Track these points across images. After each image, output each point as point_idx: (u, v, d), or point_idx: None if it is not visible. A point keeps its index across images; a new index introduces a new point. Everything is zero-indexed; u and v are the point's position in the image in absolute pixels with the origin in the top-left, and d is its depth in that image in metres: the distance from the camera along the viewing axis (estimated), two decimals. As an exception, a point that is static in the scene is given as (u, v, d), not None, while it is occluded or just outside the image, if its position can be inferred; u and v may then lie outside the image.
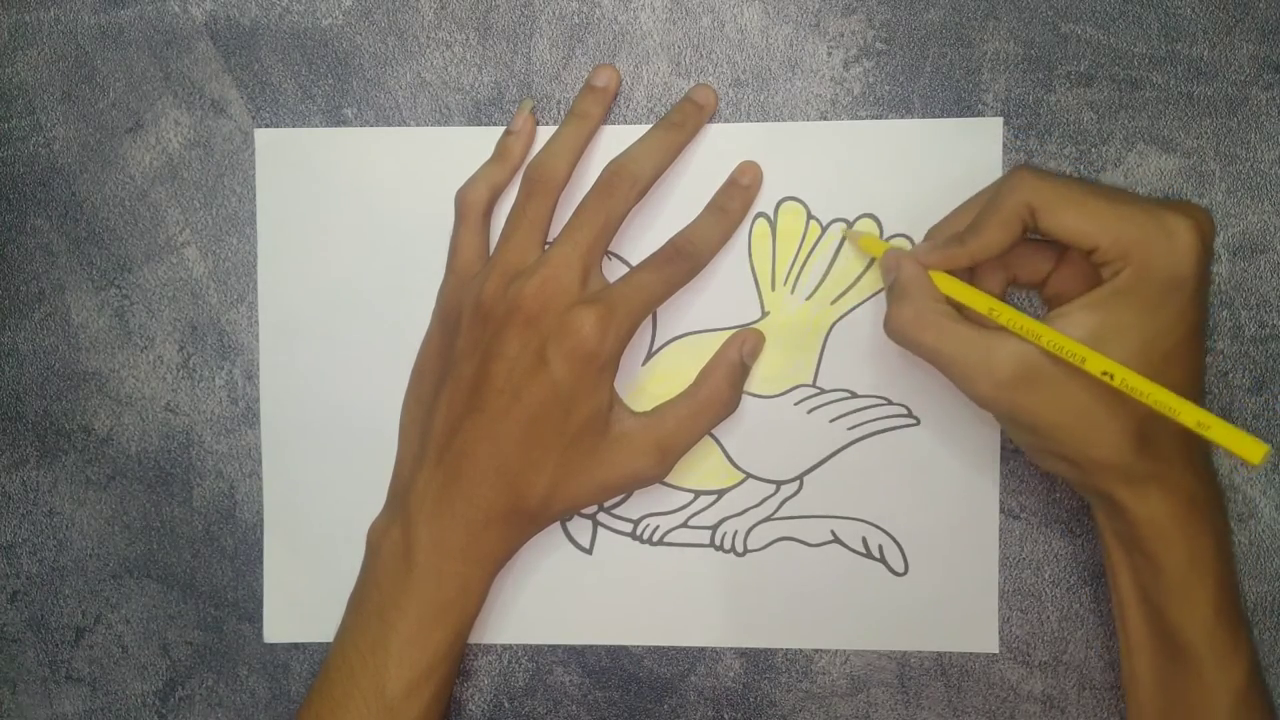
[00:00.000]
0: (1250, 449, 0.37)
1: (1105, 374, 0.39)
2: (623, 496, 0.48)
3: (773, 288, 0.48)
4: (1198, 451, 0.42)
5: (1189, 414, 0.38)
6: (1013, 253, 0.43)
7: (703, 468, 0.48)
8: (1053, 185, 0.41)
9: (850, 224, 0.47)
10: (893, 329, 0.43)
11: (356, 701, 0.43)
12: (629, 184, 0.45)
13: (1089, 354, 0.39)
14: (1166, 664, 0.42)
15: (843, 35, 0.47)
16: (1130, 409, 0.40)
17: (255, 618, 0.49)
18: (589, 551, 0.48)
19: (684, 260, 0.46)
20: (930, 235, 0.45)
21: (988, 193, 0.43)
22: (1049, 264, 0.44)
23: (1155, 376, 0.39)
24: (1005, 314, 0.41)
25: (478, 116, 0.48)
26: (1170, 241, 0.39)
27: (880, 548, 0.48)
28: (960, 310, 0.43)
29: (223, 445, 0.49)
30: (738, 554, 0.48)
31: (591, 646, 0.49)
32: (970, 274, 0.44)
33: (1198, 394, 0.41)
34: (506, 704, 0.49)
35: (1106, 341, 0.39)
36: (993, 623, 0.47)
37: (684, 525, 0.48)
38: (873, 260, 0.47)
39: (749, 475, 0.48)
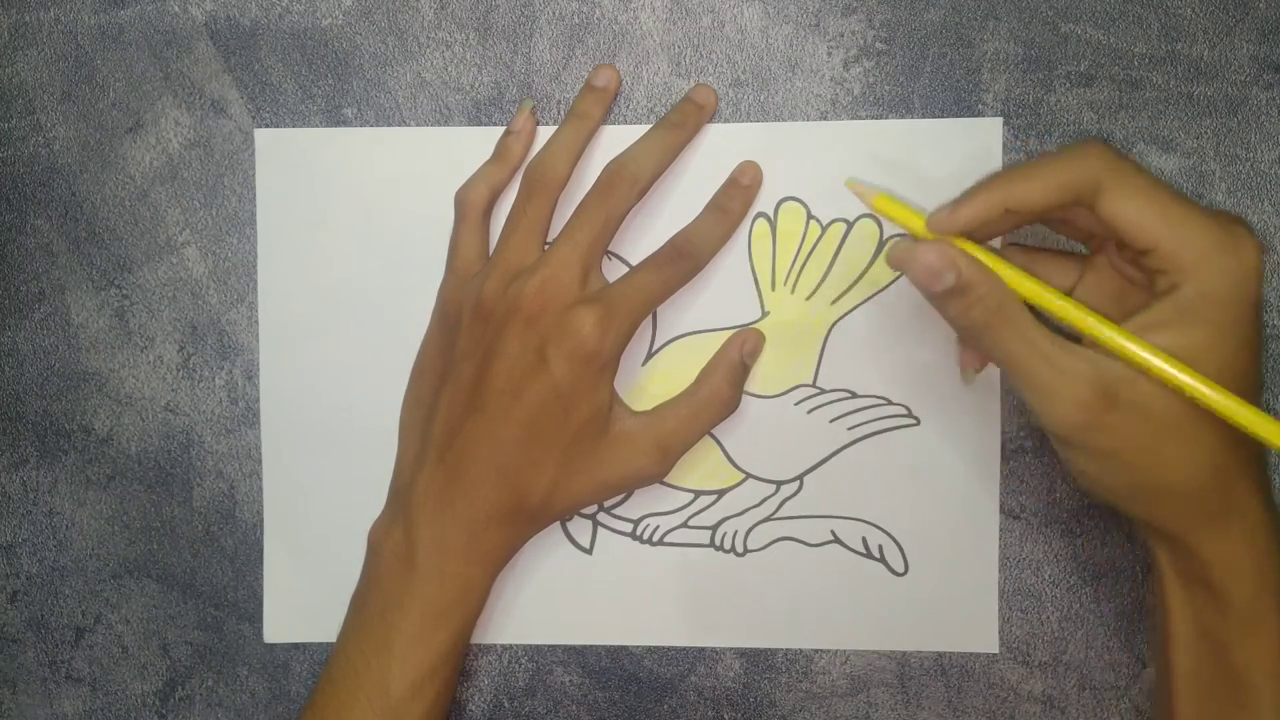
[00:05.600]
0: None
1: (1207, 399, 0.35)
2: (623, 496, 0.48)
3: (773, 288, 0.48)
4: (1266, 480, 0.40)
5: None
6: (1037, 263, 0.41)
7: (703, 468, 0.48)
8: (1128, 168, 0.37)
9: (850, 224, 0.47)
10: (968, 322, 0.38)
11: (360, 702, 0.43)
12: (629, 184, 0.45)
13: (1191, 374, 0.35)
14: (1221, 705, 0.40)
15: (843, 35, 0.47)
16: (1207, 433, 0.37)
17: (255, 618, 0.49)
18: (589, 551, 0.48)
19: (684, 260, 0.46)
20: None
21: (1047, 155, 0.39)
22: (1073, 276, 0.41)
23: None
24: (1086, 321, 0.37)
25: (478, 116, 0.48)
26: (1237, 257, 0.36)
27: (880, 548, 0.48)
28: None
29: (223, 445, 0.49)
30: (738, 554, 0.48)
31: (591, 646, 0.49)
32: None
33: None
34: (506, 704, 0.49)
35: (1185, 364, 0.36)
36: (993, 623, 0.47)
37: (684, 525, 0.48)
38: (873, 259, 0.47)
39: (749, 475, 0.48)
